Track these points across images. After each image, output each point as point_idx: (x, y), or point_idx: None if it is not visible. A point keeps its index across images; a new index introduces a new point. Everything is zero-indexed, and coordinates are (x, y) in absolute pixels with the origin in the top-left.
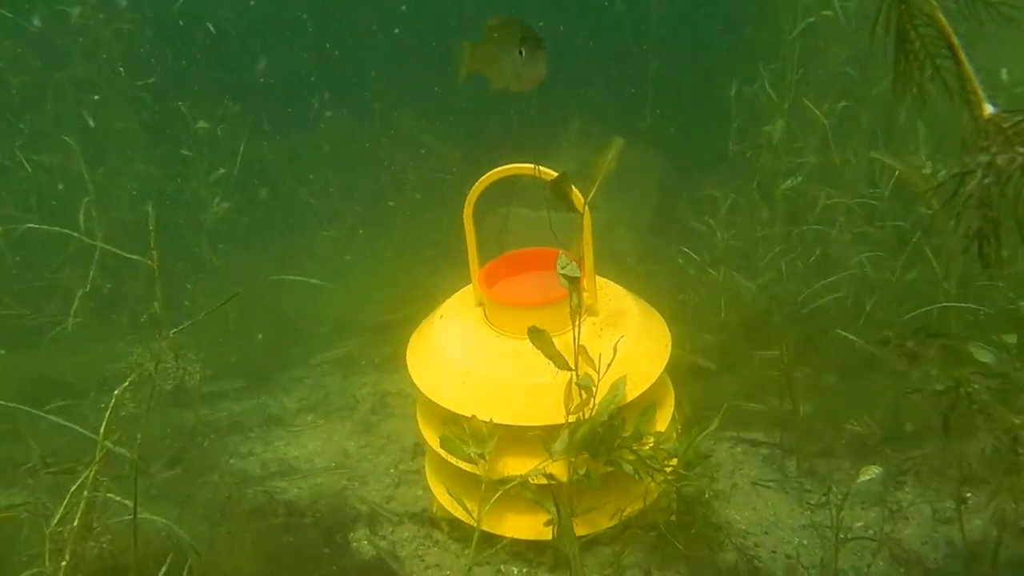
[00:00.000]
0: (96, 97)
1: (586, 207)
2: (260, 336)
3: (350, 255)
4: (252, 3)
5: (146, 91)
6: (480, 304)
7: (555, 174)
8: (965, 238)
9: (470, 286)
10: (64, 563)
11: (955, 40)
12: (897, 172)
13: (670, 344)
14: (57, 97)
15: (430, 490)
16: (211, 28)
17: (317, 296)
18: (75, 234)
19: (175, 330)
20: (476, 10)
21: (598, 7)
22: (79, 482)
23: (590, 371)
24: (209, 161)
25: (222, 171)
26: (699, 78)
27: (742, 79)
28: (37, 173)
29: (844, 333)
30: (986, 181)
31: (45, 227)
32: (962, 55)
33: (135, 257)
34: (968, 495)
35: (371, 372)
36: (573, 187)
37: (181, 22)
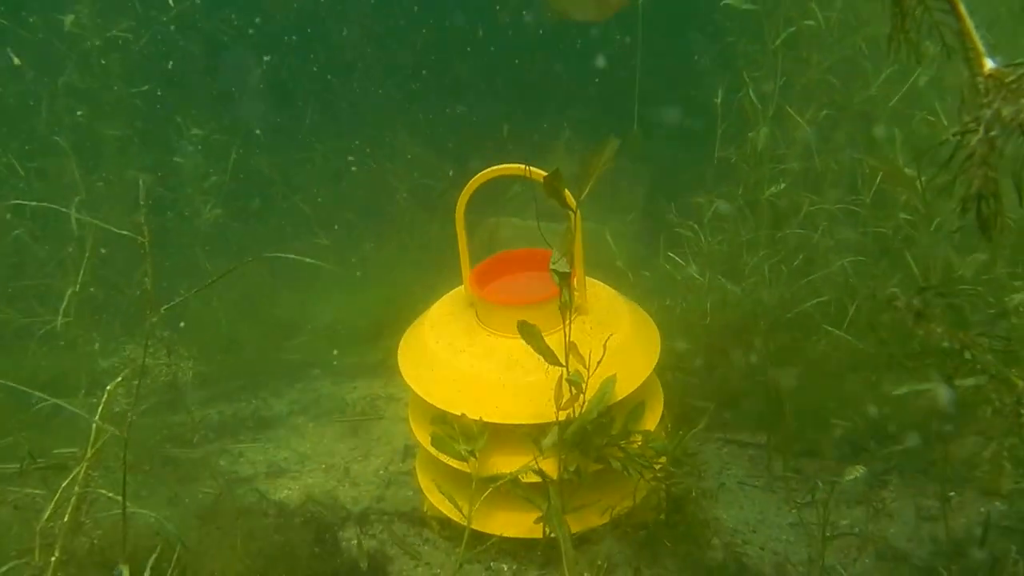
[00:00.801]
0: (89, 105)
1: (578, 207)
2: (251, 340)
3: (341, 261)
4: (246, 13)
5: (139, 98)
6: (471, 304)
7: (545, 175)
8: (963, 200)
9: (461, 287)
10: (54, 558)
11: None
12: (879, 176)
13: (659, 344)
14: (51, 104)
15: (420, 490)
16: (206, 37)
17: (308, 301)
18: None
19: (166, 306)
20: (466, 23)
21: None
22: (70, 478)
23: (580, 368)
24: (202, 168)
25: (214, 178)
26: (685, 85)
27: (727, 87)
28: (30, 178)
29: (830, 329)
30: (992, 134)
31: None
32: (962, 8)
33: (125, 232)
34: (952, 494)
35: (362, 376)
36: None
37: (173, 27)
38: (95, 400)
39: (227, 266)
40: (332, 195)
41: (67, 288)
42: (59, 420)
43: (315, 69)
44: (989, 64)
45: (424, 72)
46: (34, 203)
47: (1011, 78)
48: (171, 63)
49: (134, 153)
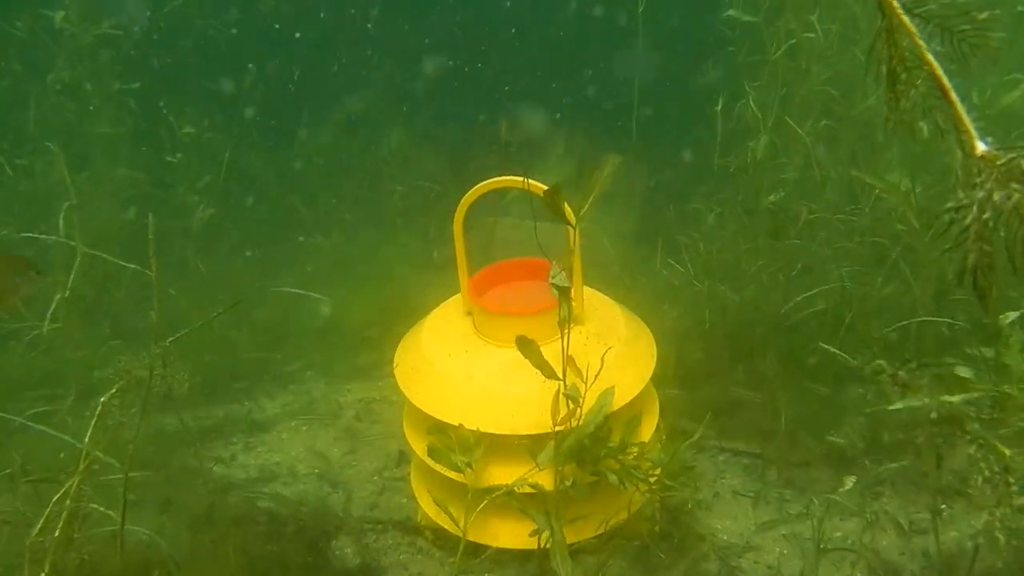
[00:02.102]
0: (79, 103)
1: (578, 220)
2: (245, 341)
3: (337, 262)
4: (240, 10)
5: (131, 95)
6: (469, 313)
7: (544, 187)
8: (960, 272)
9: (459, 295)
10: (43, 574)
11: (946, 82)
12: (877, 191)
13: (655, 354)
14: (40, 101)
15: (415, 498)
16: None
17: (302, 302)
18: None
19: (171, 338)
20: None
21: (584, 20)
22: (62, 491)
23: (577, 382)
24: (196, 167)
25: (208, 178)
26: (684, 93)
27: (727, 95)
28: (18, 177)
29: (826, 346)
30: (985, 217)
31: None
32: (953, 96)
33: (132, 266)
34: (943, 507)
35: (356, 379)
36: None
37: (162, 25)
38: (84, 405)
39: (219, 266)
40: (327, 194)
41: (54, 292)
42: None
43: (311, 68)
44: (981, 146)
45: (422, 72)
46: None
47: (1002, 160)
48: (163, 60)
49: (124, 151)
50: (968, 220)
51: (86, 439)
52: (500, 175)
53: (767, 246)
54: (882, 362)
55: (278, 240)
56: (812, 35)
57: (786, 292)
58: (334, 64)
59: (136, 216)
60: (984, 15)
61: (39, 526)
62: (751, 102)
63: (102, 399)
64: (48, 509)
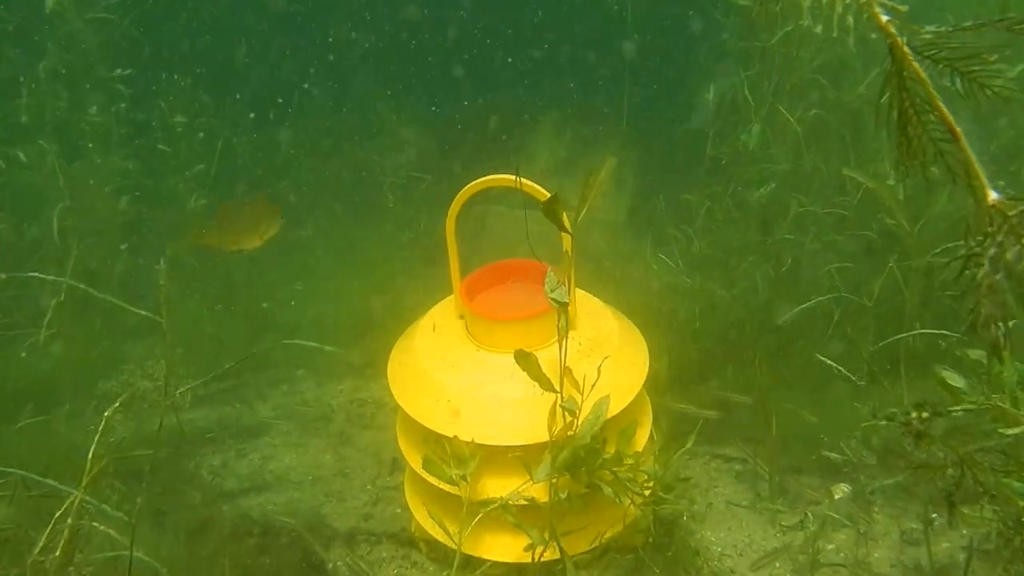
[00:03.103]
0: (70, 89)
1: (575, 225)
2: (235, 338)
3: (328, 255)
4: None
5: (122, 83)
6: (461, 316)
7: (536, 186)
8: (972, 324)
9: (451, 297)
10: None
11: (957, 128)
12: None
13: (648, 359)
14: (31, 89)
15: (408, 508)
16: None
17: (293, 298)
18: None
19: (181, 389)
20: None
21: (576, 9)
22: (63, 508)
23: (574, 393)
24: (186, 156)
25: (200, 167)
26: (676, 81)
27: (720, 83)
28: (10, 168)
29: (821, 357)
30: (998, 276)
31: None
32: (964, 143)
33: (144, 313)
34: (934, 516)
35: (347, 378)
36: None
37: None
38: (80, 413)
39: (210, 260)
40: (318, 188)
41: (46, 293)
42: (44, 432)
43: (303, 59)
44: (993, 195)
45: (413, 64)
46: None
47: (1014, 212)
48: (156, 47)
49: (116, 140)
50: (980, 275)
51: (90, 453)
52: (491, 170)
53: (757, 240)
54: (895, 410)
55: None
56: (805, 23)
57: (776, 288)
58: (329, 51)
59: (128, 206)
60: (994, 57)
61: (40, 545)
62: (745, 89)
63: (106, 413)
64: (50, 527)
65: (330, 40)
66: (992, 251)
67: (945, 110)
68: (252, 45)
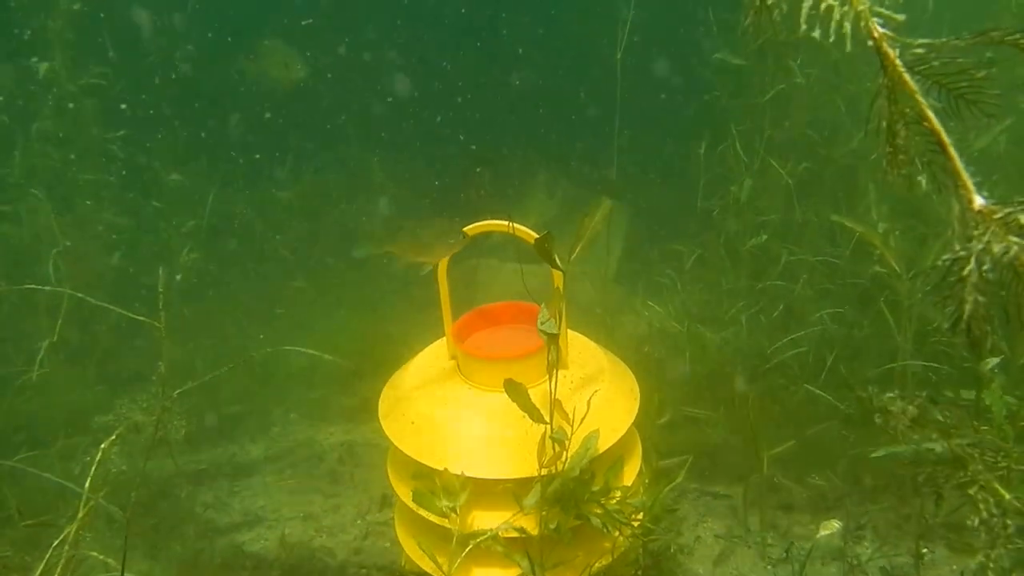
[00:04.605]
0: (64, 151)
1: (568, 265)
2: (228, 384)
3: (319, 304)
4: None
5: (116, 143)
6: (452, 357)
7: (529, 231)
8: (955, 322)
9: (443, 339)
10: None
11: (945, 138)
12: (857, 234)
13: (638, 397)
14: (25, 149)
15: (399, 543)
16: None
17: (286, 344)
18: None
19: (178, 390)
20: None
21: (568, 62)
22: (60, 537)
23: (564, 425)
24: (180, 212)
25: (192, 222)
26: (668, 136)
27: (711, 138)
28: (4, 225)
29: (811, 388)
30: (984, 268)
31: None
32: (952, 151)
33: (141, 317)
34: (925, 551)
35: (339, 422)
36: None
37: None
38: (73, 450)
39: (204, 308)
40: (308, 238)
41: (40, 337)
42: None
43: (291, 116)
44: (979, 200)
45: (403, 117)
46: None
47: (999, 215)
48: (148, 110)
49: (109, 197)
50: (965, 272)
51: (86, 485)
52: (484, 218)
53: (748, 287)
54: (893, 395)
55: (261, 282)
56: (800, 80)
57: (768, 333)
58: (317, 106)
59: (120, 261)
60: (982, 74)
61: (38, 573)
62: (736, 145)
63: (103, 445)
64: (48, 555)
65: (322, 103)
66: (979, 248)
67: (935, 121)
68: (246, 108)
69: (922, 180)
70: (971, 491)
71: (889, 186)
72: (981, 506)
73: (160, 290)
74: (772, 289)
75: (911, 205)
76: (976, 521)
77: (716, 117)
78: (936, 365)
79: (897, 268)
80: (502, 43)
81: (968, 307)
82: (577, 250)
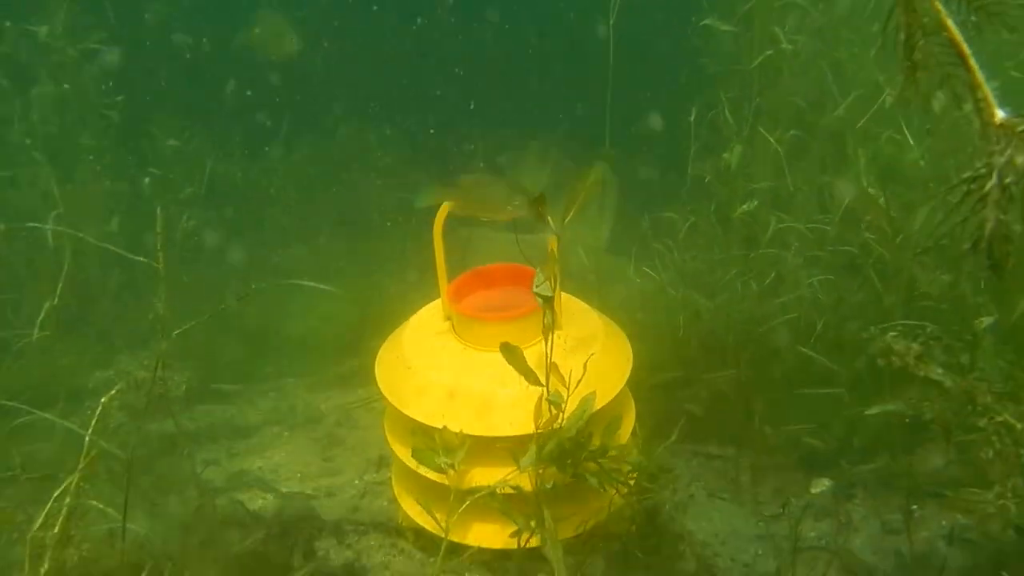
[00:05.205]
0: (63, 115)
1: (562, 228)
2: (225, 348)
3: (316, 271)
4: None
5: (114, 109)
6: (448, 318)
7: (523, 187)
8: (976, 241)
9: (438, 300)
10: (44, 569)
11: (966, 48)
12: (847, 199)
13: (631, 357)
14: (24, 114)
15: (396, 501)
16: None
17: (282, 311)
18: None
19: (176, 332)
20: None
21: (558, 29)
22: (62, 487)
23: (560, 388)
24: (177, 179)
25: (189, 189)
26: (658, 103)
27: (701, 105)
28: (4, 189)
29: (804, 350)
30: (1007, 181)
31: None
32: (973, 62)
33: (140, 258)
34: (915, 508)
35: (336, 386)
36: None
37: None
38: (74, 412)
39: (203, 277)
40: (307, 205)
41: (41, 300)
42: (36, 432)
43: (291, 81)
44: (1000, 114)
45: (398, 84)
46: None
47: (1022, 127)
48: (146, 75)
49: (108, 163)
50: (987, 187)
51: (87, 435)
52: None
53: (740, 255)
54: (895, 334)
55: (259, 249)
56: (787, 46)
57: (759, 300)
58: (315, 74)
59: (119, 227)
60: None
61: (39, 522)
62: (726, 112)
63: (103, 399)
64: (48, 505)
65: (318, 64)
66: (1001, 162)
67: (955, 30)
68: (245, 75)
69: (940, 96)
70: (983, 423)
71: (877, 152)
72: (994, 438)
73: (158, 231)
74: (763, 256)
75: (899, 171)
76: (990, 453)
77: (705, 84)
78: (927, 324)
79: (888, 228)
80: (495, 6)
81: (990, 225)
82: (571, 214)
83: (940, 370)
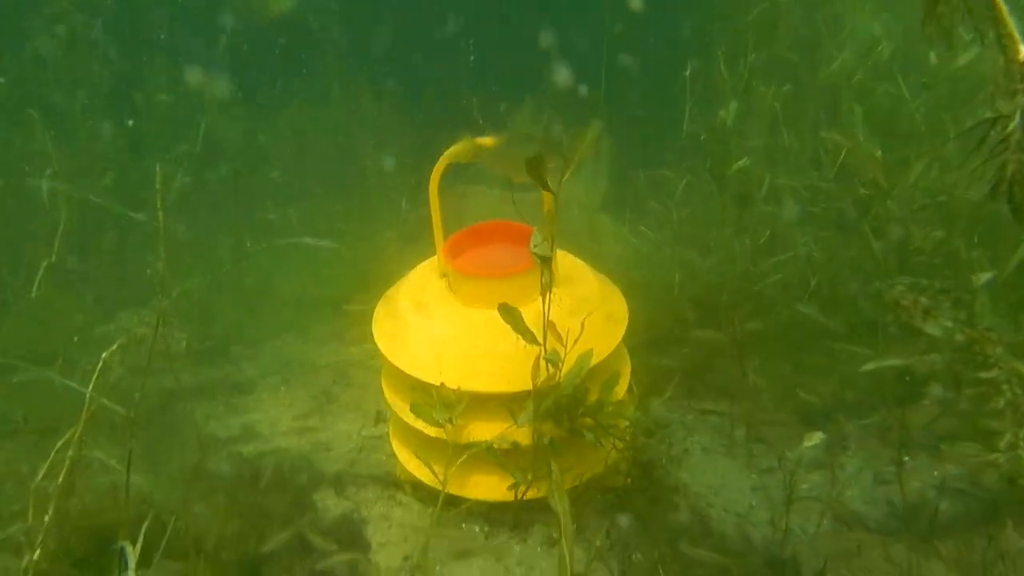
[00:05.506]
0: (55, 71)
1: (560, 186)
2: (223, 305)
3: (312, 230)
4: None
5: (106, 62)
6: (444, 275)
7: (520, 146)
8: (996, 184)
9: (434, 258)
10: (47, 518)
11: None
12: (843, 152)
13: (627, 314)
14: (16, 69)
15: (393, 454)
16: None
17: (279, 269)
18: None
19: (176, 293)
20: None
21: None
22: (64, 439)
23: (557, 346)
24: (171, 136)
25: (184, 146)
26: (653, 58)
27: (696, 60)
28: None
29: (802, 308)
30: None
31: None
32: None
33: (138, 215)
34: (906, 459)
35: (332, 343)
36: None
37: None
38: (74, 368)
39: (197, 236)
40: (301, 164)
41: (38, 259)
42: (36, 388)
43: (284, 39)
44: None
45: (394, 44)
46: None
47: None
48: (139, 29)
49: (100, 119)
50: (1009, 129)
51: (89, 389)
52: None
53: (735, 213)
54: (903, 287)
55: (253, 209)
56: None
57: (753, 257)
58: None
59: (113, 183)
60: None
61: (42, 473)
62: (722, 66)
63: (104, 354)
64: (51, 457)
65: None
66: None
67: None
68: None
69: (962, 32)
70: (992, 374)
71: (873, 107)
72: (1005, 387)
73: (157, 186)
74: (758, 214)
75: (895, 126)
76: (1001, 403)
77: (700, 39)
78: (922, 281)
79: (884, 182)
80: None
81: (1011, 168)
82: (570, 172)
83: (949, 323)
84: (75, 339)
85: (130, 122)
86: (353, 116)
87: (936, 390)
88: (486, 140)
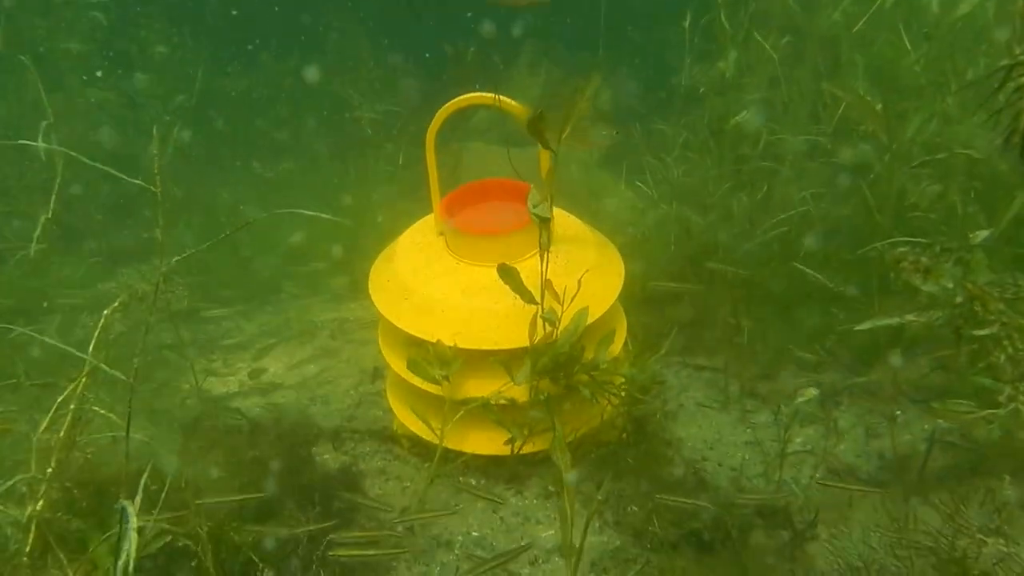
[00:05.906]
0: (49, 19)
1: (559, 144)
2: (220, 263)
3: (308, 186)
4: None
5: (100, 10)
6: (441, 233)
7: (515, 104)
8: (1011, 133)
9: (431, 215)
10: (49, 469)
11: None
12: (842, 106)
13: (623, 272)
14: (10, 19)
15: (390, 411)
16: None
17: (276, 226)
18: None
19: (176, 257)
20: None
21: None
22: (66, 393)
23: (555, 305)
24: (167, 88)
25: (180, 98)
26: (651, 10)
27: (697, 9)
28: None
29: (800, 266)
30: None
31: None
32: None
33: (137, 181)
34: (898, 413)
35: (329, 300)
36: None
37: None
38: (72, 324)
39: (192, 191)
40: (297, 119)
41: (34, 213)
42: (37, 342)
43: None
44: None
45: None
46: None
47: None
48: None
49: (95, 70)
50: None
51: (91, 346)
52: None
53: (732, 168)
54: (904, 249)
55: (249, 164)
56: None
57: (750, 214)
58: None
59: (109, 137)
60: None
61: (43, 426)
62: (722, 16)
63: (105, 312)
64: (53, 410)
65: None
66: None
67: None
68: None
69: None
70: (994, 330)
71: (875, 56)
72: (1006, 342)
73: (155, 152)
74: (756, 169)
75: (895, 78)
76: (1002, 358)
77: None
78: (919, 240)
79: (884, 137)
80: None
81: None
82: (569, 128)
83: (950, 284)
84: (72, 295)
85: (136, 88)
86: (351, 69)
87: (928, 348)
88: (484, 96)
